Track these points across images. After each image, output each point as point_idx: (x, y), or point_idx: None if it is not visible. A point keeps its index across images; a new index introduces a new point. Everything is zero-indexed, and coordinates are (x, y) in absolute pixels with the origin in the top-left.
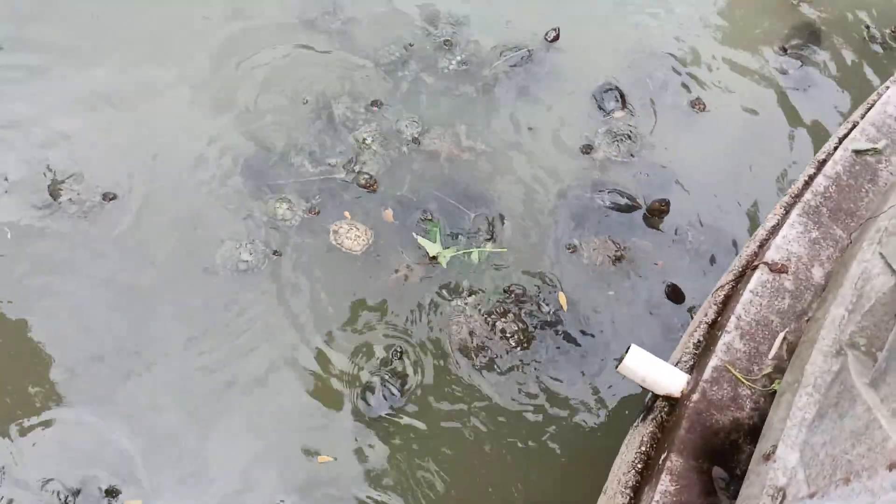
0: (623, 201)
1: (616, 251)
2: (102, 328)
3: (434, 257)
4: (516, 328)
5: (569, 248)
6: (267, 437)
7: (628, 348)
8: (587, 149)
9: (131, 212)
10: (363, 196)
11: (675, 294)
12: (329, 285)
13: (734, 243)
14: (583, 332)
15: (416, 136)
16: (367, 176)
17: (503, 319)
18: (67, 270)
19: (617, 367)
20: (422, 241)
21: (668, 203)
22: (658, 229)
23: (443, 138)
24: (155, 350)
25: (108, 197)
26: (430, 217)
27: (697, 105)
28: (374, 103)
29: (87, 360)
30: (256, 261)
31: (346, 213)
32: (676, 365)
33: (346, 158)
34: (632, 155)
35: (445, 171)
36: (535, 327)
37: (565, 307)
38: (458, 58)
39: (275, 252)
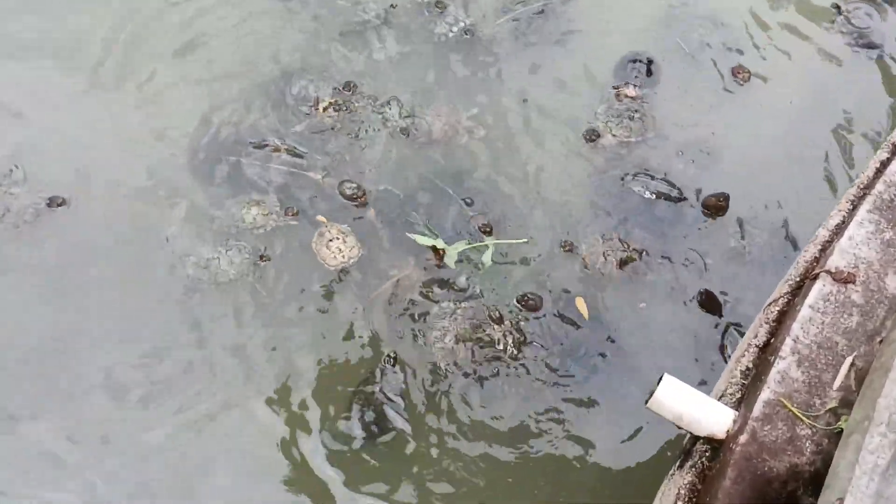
0: (674, 193)
1: (624, 251)
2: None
3: (440, 253)
4: (512, 339)
5: (564, 247)
6: (245, 480)
7: (660, 378)
8: (592, 134)
9: (83, 218)
10: (348, 209)
11: (709, 302)
12: (306, 296)
13: (792, 244)
14: (602, 354)
15: (403, 123)
16: (353, 185)
17: (497, 327)
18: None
19: (646, 401)
20: (419, 238)
21: (726, 198)
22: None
23: (435, 122)
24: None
25: (56, 202)
26: (424, 223)
27: (741, 73)
28: (347, 86)
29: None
30: (239, 271)
31: (320, 218)
32: (720, 399)
33: (319, 154)
34: (645, 134)
35: (441, 162)
36: (545, 346)
37: (586, 315)
38: (463, 23)
39: (262, 257)
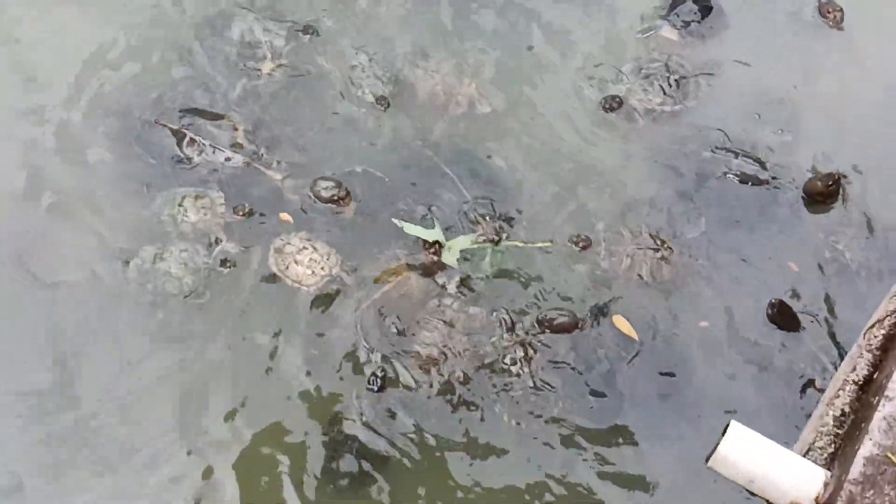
0: (763, 174)
1: (656, 248)
2: None
3: (436, 249)
4: (524, 353)
5: (576, 243)
6: None
7: (726, 426)
8: (612, 102)
9: None
10: (317, 207)
11: (782, 316)
12: (272, 315)
13: None
14: (645, 391)
15: (383, 88)
16: (330, 185)
17: (508, 337)
18: None
19: (707, 458)
20: (410, 227)
21: (836, 180)
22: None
23: (423, 86)
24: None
25: None
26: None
27: (830, 13)
28: (306, 30)
29: None
30: (196, 281)
31: (285, 216)
32: (806, 454)
33: (267, 131)
34: (684, 101)
35: (432, 136)
36: (569, 369)
37: (635, 335)
38: None
39: (224, 262)
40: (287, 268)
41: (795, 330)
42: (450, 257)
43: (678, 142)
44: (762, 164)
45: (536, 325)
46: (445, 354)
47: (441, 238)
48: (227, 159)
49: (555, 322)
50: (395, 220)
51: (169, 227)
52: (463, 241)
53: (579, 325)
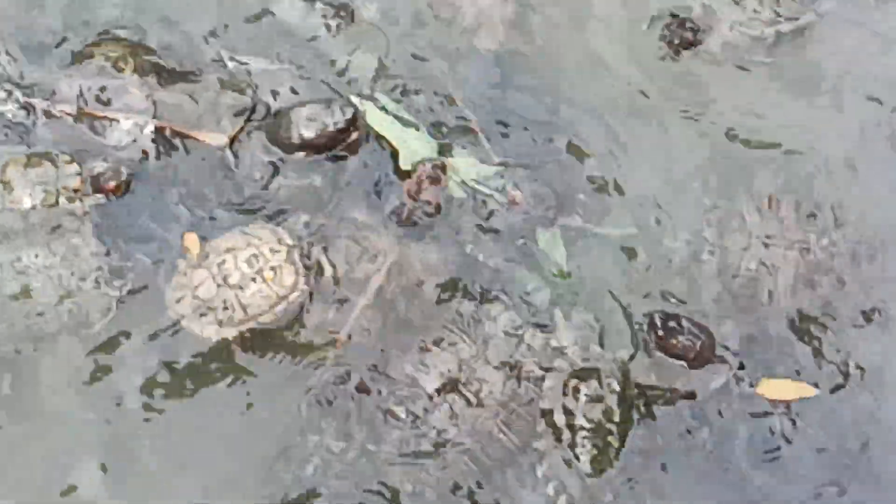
0: None
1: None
2: None
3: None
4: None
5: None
6: None
7: None
8: (683, 33)
9: None
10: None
11: None
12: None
13: None
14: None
15: None
16: (320, 109)
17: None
18: None
19: None
20: (377, 116)
21: None
22: None
23: None
24: None
25: None
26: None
27: None
28: None
29: None
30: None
31: (191, 239)
32: None
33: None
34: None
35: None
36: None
37: (810, 391)
38: None
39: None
40: (247, 311)
41: None
42: (453, 179)
43: (820, 72)
44: None
45: (647, 327)
46: (465, 395)
47: (434, 154)
48: (135, 141)
49: (675, 338)
50: (356, 99)
51: None
52: (473, 166)
53: (711, 356)
